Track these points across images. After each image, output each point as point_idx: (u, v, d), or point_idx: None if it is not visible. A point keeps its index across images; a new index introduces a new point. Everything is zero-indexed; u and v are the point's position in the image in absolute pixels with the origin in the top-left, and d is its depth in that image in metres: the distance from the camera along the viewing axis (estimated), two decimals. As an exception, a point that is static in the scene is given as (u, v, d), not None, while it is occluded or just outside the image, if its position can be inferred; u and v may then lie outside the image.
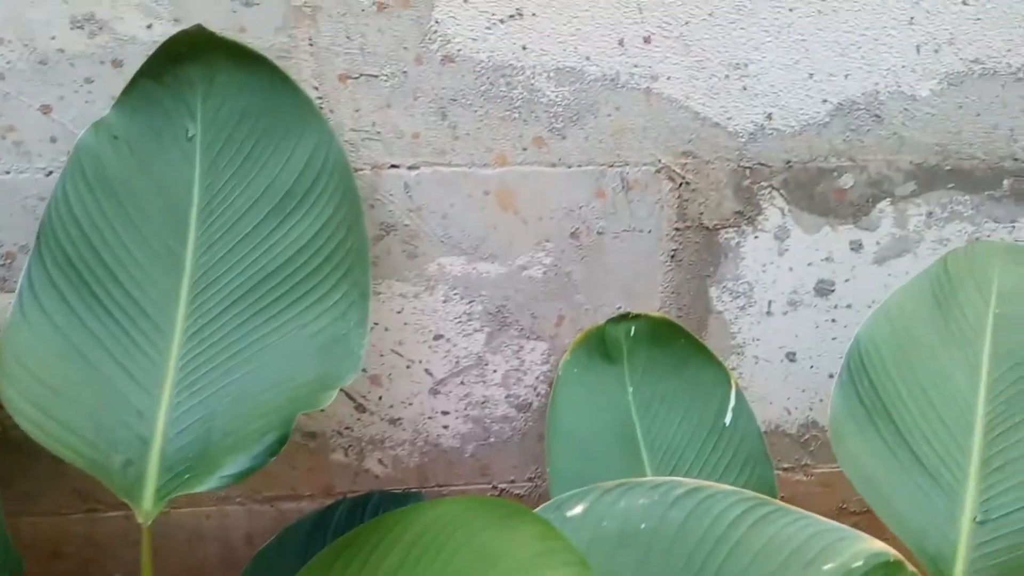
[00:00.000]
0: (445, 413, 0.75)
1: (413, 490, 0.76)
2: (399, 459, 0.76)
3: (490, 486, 0.78)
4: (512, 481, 0.78)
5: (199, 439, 0.51)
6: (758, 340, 0.76)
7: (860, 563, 0.47)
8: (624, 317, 0.73)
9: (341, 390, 0.72)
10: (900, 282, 0.66)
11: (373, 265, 0.69)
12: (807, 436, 0.80)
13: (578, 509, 0.51)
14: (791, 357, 0.77)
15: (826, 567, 0.47)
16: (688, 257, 0.72)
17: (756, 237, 0.72)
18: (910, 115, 0.70)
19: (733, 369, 0.76)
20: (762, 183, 0.70)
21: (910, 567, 0.47)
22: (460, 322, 0.71)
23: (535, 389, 0.75)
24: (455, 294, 0.70)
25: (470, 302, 0.71)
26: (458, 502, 0.50)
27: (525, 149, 0.67)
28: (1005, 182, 0.73)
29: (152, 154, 0.58)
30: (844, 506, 0.83)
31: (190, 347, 0.55)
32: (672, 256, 0.72)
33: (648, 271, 0.72)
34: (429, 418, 0.75)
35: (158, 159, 0.58)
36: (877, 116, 0.69)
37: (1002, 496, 0.54)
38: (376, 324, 0.70)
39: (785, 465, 0.81)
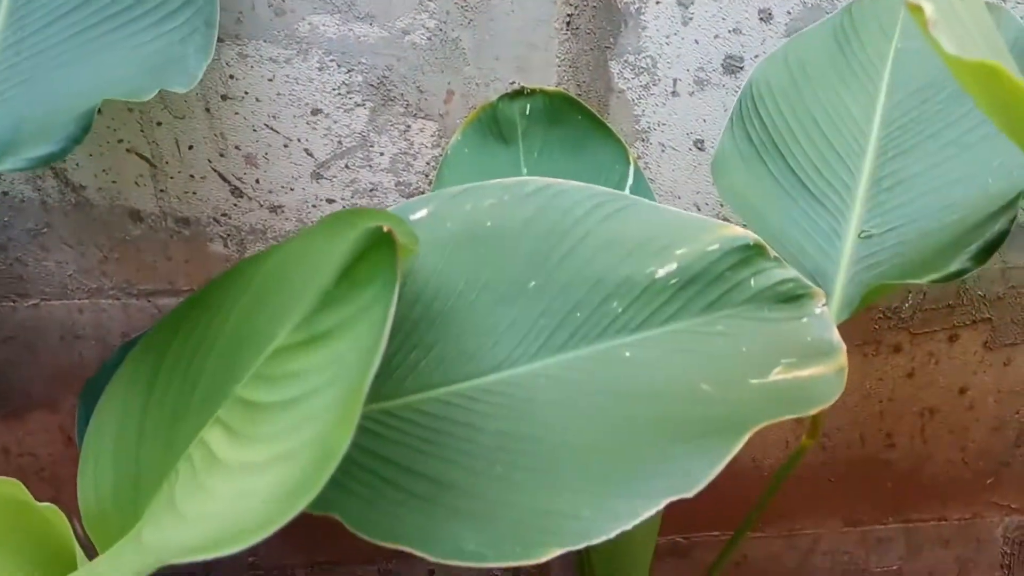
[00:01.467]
0: (331, 201, 0.70)
1: (301, 287, 0.72)
2: (284, 253, 0.71)
3: (384, 285, 0.74)
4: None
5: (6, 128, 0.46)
6: (664, 124, 0.71)
7: (716, 247, 0.43)
8: (519, 93, 0.68)
9: (214, 169, 0.68)
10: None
11: (237, 23, 0.63)
12: (720, 235, 0.76)
13: (422, 212, 0.47)
14: (699, 145, 0.73)
15: (679, 251, 0.43)
16: (585, 24, 0.67)
17: (658, 2, 0.67)
18: None
19: (639, 158, 0.72)
20: None
21: (772, 252, 0.43)
22: (339, 94, 0.67)
23: (427, 176, 0.71)
24: (331, 60, 0.65)
25: (348, 71, 0.66)
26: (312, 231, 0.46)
27: None
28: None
29: None
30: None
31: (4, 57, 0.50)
32: (568, 23, 0.67)
33: (543, 41, 0.67)
34: (313, 206, 0.70)
35: None
36: None
37: (890, 213, 0.50)
38: (246, 94, 0.66)
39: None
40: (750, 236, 0.43)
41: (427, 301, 0.44)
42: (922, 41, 0.57)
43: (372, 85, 0.67)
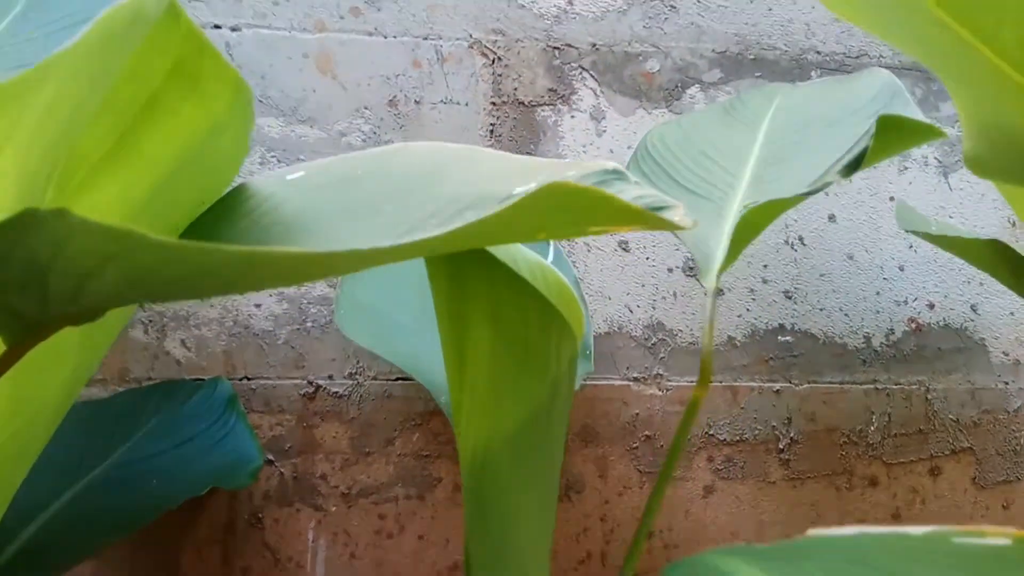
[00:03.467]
0: (258, 305, 0.71)
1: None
2: (204, 341, 0.70)
3: (304, 381, 0.71)
4: (330, 377, 0.71)
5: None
6: (588, 226, 0.74)
7: (573, 172, 0.43)
8: (445, 191, 0.73)
9: (147, 251, 0.70)
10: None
11: (191, 119, 0.71)
12: (654, 340, 0.74)
13: (298, 174, 0.48)
14: (624, 246, 0.74)
15: (541, 176, 0.43)
16: (507, 133, 0.74)
17: (573, 116, 0.74)
18: (704, 6, 0.76)
19: (568, 254, 0.73)
20: (572, 63, 0.75)
21: (633, 178, 0.43)
22: (277, 186, 0.71)
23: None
24: (272, 156, 0.71)
25: (288, 167, 0.71)
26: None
27: (342, 17, 0.73)
28: (813, 73, 0.77)
29: None
30: (709, 432, 0.74)
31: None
32: (491, 131, 0.74)
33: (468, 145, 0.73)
34: (240, 294, 0.71)
35: None
36: (672, 6, 0.76)
37: (767, 186, 0.50)
38: (190, 181, 0.70)
39: (635, 375, 0.73)
40: (611, 164, 0.43)
41: (287, 222, 0.43)
42: (798, 99, 0.62)
43: (308, 179, 0.71)
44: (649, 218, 0.32)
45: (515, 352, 0.41)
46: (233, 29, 0.71)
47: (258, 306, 0.71)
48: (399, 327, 0.63)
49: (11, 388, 0.41)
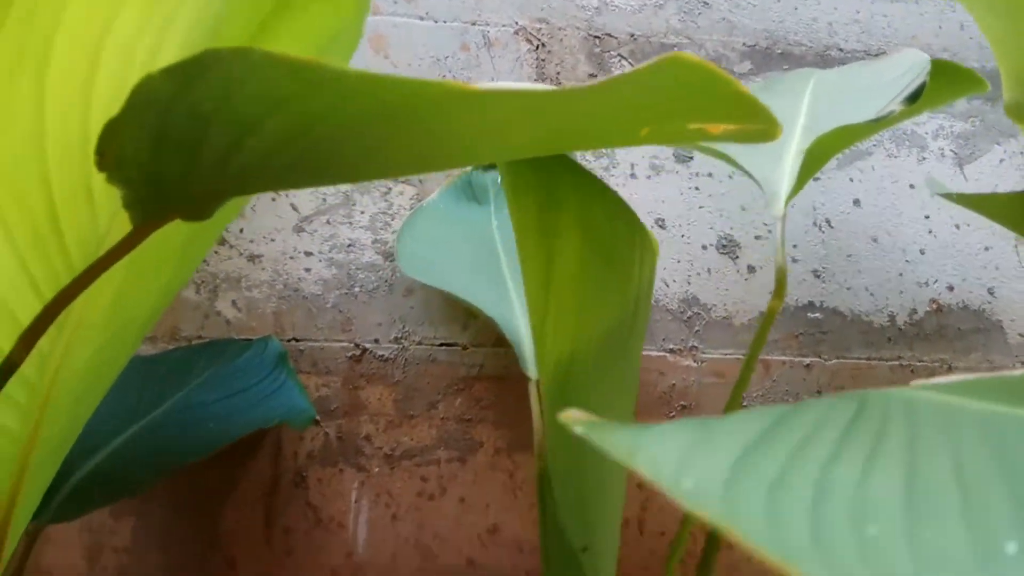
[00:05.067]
0: (308, 254, 0.73)
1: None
2: (254, 303, 0.72)
3: (351, 344, 0.72)
4: (376, 341, 0.73)
5: None
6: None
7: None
8: (492, 166, 0.76)
9: (203, 214, 0.72)
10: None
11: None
12: (689, 314, 0.76)
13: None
14: (660, 223, 0.77)
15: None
16: (550, 113, 0.77)
17: (612, 100, 0.78)
18: (735, 3, 0.81)
19: (605, 234, 0.76)
20: (611, 51, 0.79)
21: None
22: (329, 156, 0.74)
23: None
24: (326, 127, 0.74)
25: (340, 137, 0.74)
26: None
27: (396, 2, 0.76)
28: (836, 67, 0.81)
29: None
30: (744, 404, 0.76)
31: None
32: (535, 112, 0.77)
33: (513, 125, 0.77)
34: (291, 258, 0.73)
35: None
36: (705, 3, 0.81)
37: (821, 121, 0.54)
38: (247, 148, 0.73)
39: (671, 346, 0.76)
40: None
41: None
42: (833, 76, 0.66)
43: (360, 151, 0.74)
44: (760, 109, 0.34)
45: (602, 263, 0.43)
46: (293, 7, 0.75)
47: (308, 270, 0.73)
48: (455, 269, 0.66)
49: (119, 283, 0.43)
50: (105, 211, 0.42)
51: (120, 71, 0.38)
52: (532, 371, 0.58)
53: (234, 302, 0.72)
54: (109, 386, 0.48)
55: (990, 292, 0.80)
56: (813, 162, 0.49)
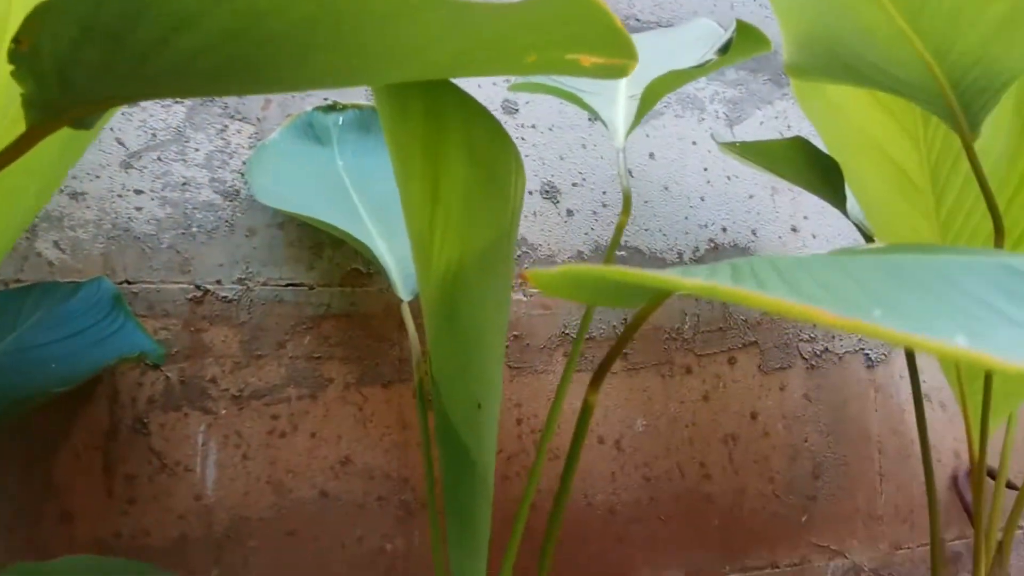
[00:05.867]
0: (139, 192, 0.70)
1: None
2: (80, 243, 0.67)
3: (191, 285, 0.71)
4: (218, 282, 0.71)
5: None
6: (459, 149, 0.82)
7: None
8: (332, 107, 0.77)
9: (14, 146, 0.66)
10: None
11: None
12: (519, 253, 0.84)
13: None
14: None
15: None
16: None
17: (444, 52, 0.83)
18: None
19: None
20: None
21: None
22: (159, 91, 0.71)
23: (242, 175, 0.73)
24: (154, 60, 0.71)
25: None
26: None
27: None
28: (635, 36, 0.92)
29: None
30: (565, 331, 0.85)
31: None
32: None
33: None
34: (119, 196, 0.69)
35: None
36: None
37: (647, 81, 0.63)
38: (63, 78, 0.68)
39: (503, 282, 0.83)
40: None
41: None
42: (639, 40, 0.76)
43: (192, 87, 0.72)
44: (628, 43, 0.41)
45: (485, 179, 0.48)
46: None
47: (139, 209, 0.70)
48: (311, 202, 0.67)
49: (-9, 194, 0.40)
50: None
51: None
52: (404, 293, 0.61)
53: (56, 243, 0.67)
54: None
55: (753, 232, 0.97)
56: (647, 102, 0.58)
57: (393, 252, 0.66)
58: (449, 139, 0.47)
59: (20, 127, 0.38)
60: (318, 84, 0.39)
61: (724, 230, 0.95)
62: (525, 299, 0.83)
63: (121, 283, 0.68)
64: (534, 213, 0.85)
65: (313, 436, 0.73)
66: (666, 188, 0.92)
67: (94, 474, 0.66)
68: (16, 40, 0.32)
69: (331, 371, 0.75)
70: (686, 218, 0.93)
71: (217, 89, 0.39)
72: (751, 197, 0.96)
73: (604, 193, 0.89)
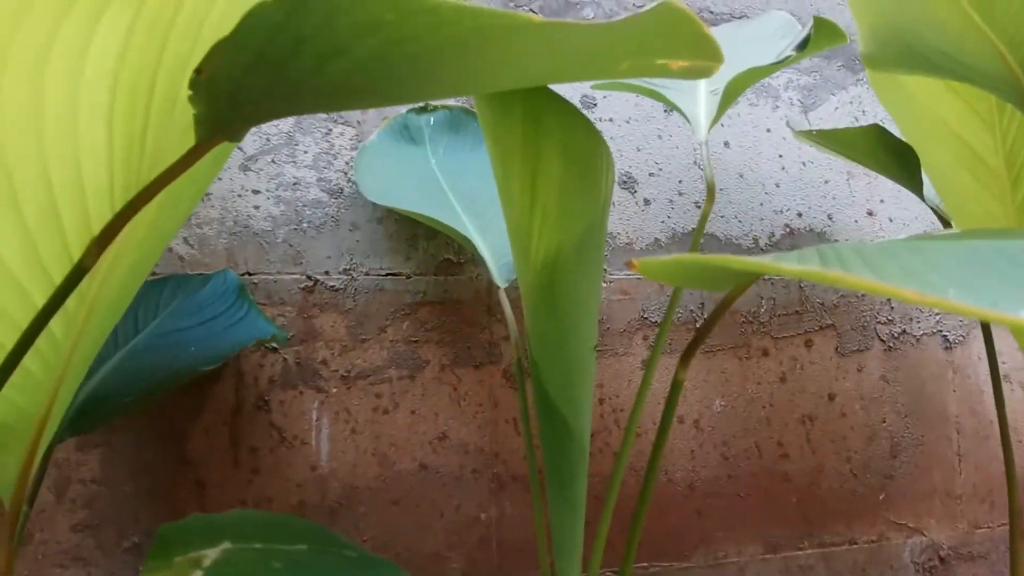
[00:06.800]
0: (256, 192, 0.77)
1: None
2: (206, 239, 0.75)
3: (303, 276, 0.77)
4: (326, 273, 0.78)
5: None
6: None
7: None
8: (424, 109, 0.83)
9: (149, 154, 0.74)
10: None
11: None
12: (600, 240, 0.88)
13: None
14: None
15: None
16: (472, 63, 0.85)
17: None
18: (626, -31, 0.92)
19: (525, 172, 0.86)
20: (523, 5, 0.88)
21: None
22: (271, 99, 0.78)
23: (346, 175, 0.80)
24: (266, 71, 0.78)
25: (280, 80, 0.78)
26: None
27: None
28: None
29: None
30: (644, 315, 0.89)
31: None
32: None
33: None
34: (239, 196, 0.76)
35: None
36: (602, -34, 0.91)
37: (728, 77, 0.66)
38: (189, 90, 0.75)
39: (585, 269, 0.87)
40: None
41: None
42: (716, 32, 0.79)
43: (300, 94, 0.79)
44: (716, 49, 0.45)
45: (578, 175, 0.53)
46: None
47: (256, 207, 0.77)
48: (411, 199, 0.73)
49: (159, 202, 0.47)
50: (151, 147, 0.46)
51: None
52: (500, 280, 0.66)
53: (186, 239, 0.74)
54: (125, 308, 0.52)
55: (829, 217, 0.98)
56: (728, 97, 0.61)
57: (488, 242, 0.72)
58: (546, 140, 0.52)
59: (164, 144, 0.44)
60: (439, 95, 0.44)
61: (799, 215, 0.97)
62: (605, 285, 0.88)
63: (243, 275, 0.76)
64: (613, 203, 0.89)
65: (413, 413, 0.79)
66: (741, 176, 0.95)
67: (222, 447, 0.74)
68: (198, 70, 0.38)
69: (427, 354, 0.81)
70: (761, 204, 0.96)
71: (356, 104, 0.45)
72: (827, 182, 0.98)
73: (680, 182, 0.92)
